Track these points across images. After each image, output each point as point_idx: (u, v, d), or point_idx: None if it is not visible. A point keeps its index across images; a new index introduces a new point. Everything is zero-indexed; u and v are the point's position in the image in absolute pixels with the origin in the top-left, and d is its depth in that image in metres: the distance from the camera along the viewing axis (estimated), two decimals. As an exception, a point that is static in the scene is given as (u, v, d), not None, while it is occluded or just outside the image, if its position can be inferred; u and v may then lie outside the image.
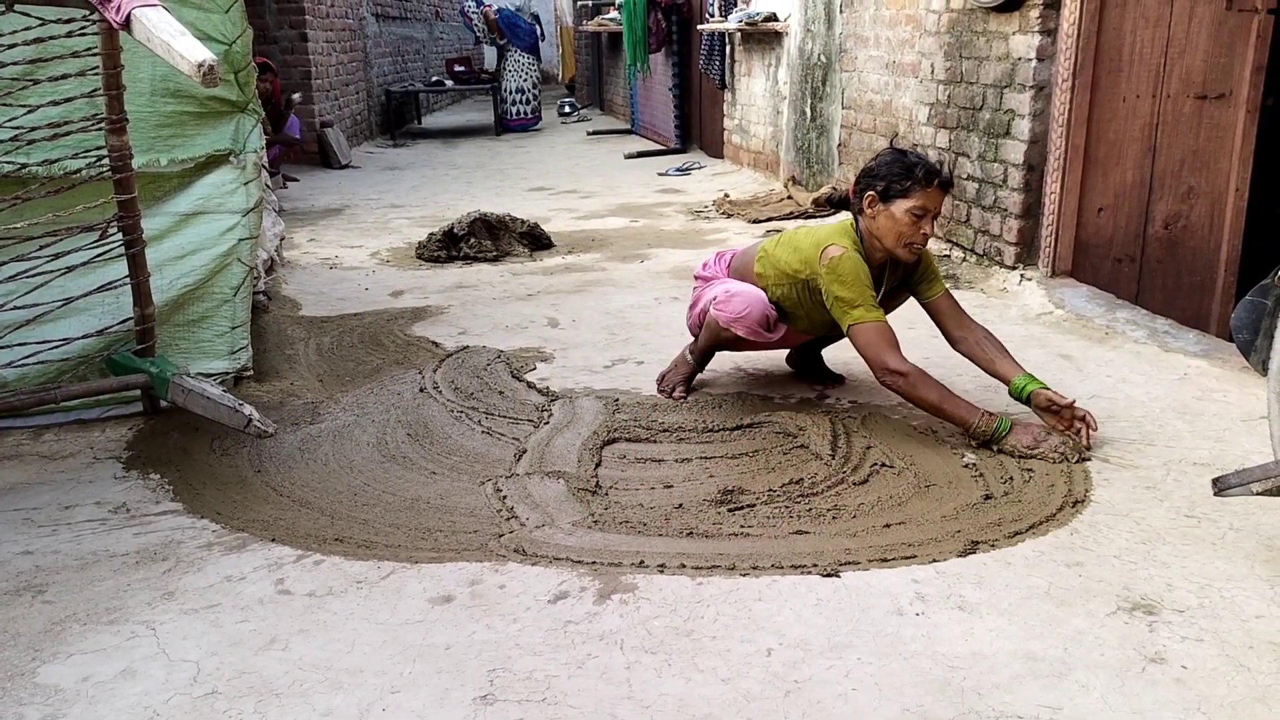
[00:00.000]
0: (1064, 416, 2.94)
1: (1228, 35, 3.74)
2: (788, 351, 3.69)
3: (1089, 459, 2.84)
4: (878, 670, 1.97)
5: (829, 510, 2.60)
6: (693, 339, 3.52)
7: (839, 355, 3.77)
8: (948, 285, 3.36)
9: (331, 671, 2.00)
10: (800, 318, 3.27)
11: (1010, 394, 3.06)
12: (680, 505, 2.63)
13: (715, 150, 10.00)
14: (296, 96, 9.48)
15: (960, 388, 3.40)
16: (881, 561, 2.35)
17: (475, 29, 13.67)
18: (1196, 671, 1.93)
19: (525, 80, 13.30)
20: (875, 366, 2.99)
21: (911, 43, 5.63)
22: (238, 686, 1.95)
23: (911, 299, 3.32)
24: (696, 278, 3.56)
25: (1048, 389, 2.99)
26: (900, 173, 3.01)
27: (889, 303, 3.31)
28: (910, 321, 4.22)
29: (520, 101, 13.36)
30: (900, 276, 3.25)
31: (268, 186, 5.34)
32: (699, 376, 3.55)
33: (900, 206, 3.01)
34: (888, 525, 2.51)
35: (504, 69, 13.33)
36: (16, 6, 2.72)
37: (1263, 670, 1.93)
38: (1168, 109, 4.01)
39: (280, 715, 1.88)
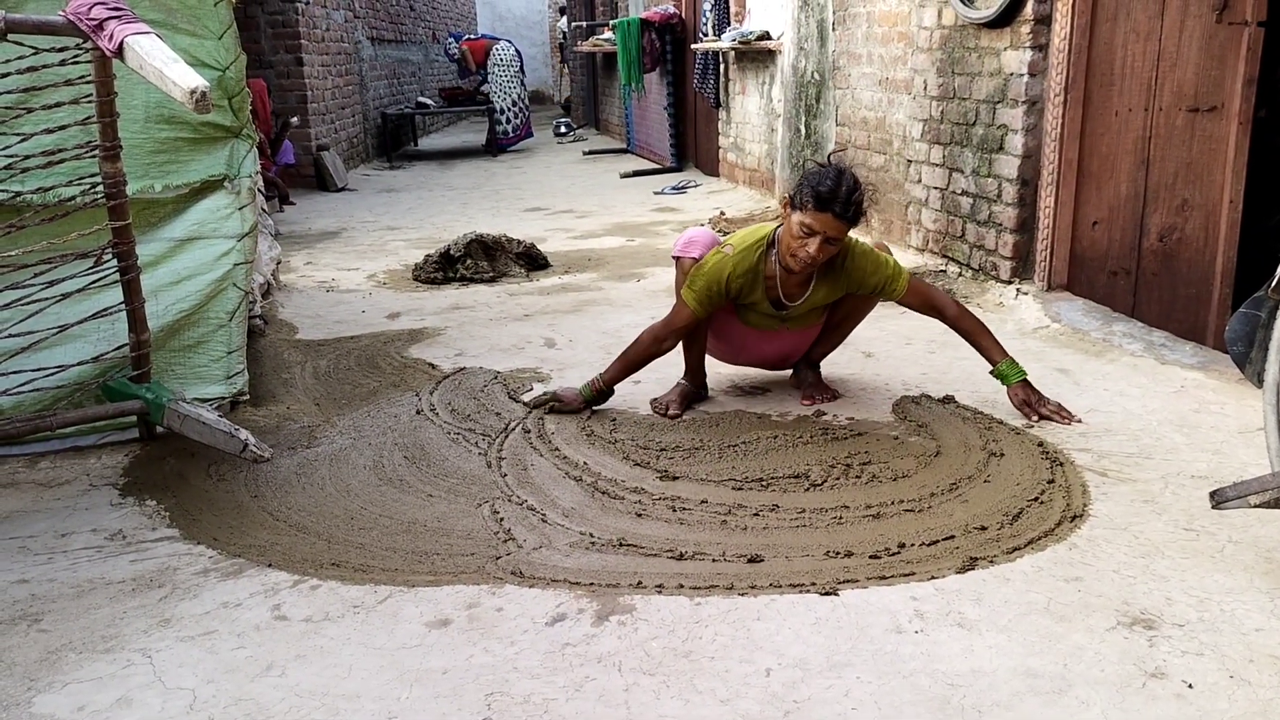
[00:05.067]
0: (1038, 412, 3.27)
1: (1218, 48, 3.76)
2: (790, 372, 3.74)
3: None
4: (877, 689, 1.96)
5: (826, 526, 2.59)
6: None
7: (834, 371, 3.77)
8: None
9: (328, 698, 1.99)
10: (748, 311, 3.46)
11: (993, 376, 3.34)
12: (680, 523, 2.63)
13: (710, 168, 10.03)
14: (294, 120, 9.50)
15: (957, 400, 3.43)
16: (880, 579, 2.34)
17: (458, 62, 13.87)
18: (1197, 686, 1.92)
19: (505, 99, 13.36)
20: (662, 325, 3.39)
21: (904, 59, 5.66)
22: (234, 714, 1.94)
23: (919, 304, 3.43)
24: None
25: (1025, 384, 3.28)
26: (805, 185, 3.10)
27: (829, 304, 3.43)
28: (907, 338, 4.24)
29: (506, 120, 13.42)
30: (844, 285, 3.33)
31: (263, 210, 5.35)
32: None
33: (795, 217, 3.12)
34: (885, 544, 2.50)
35: (489, 92, 13.44)
36: (10, 36, 2.73)
37: (1264, 684, 1.92)
38: (1160, 122, 4.02)
39: (276, 743, 1.87)
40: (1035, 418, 3.24)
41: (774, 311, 3.38)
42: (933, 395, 3.52)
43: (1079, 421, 3.23)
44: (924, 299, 3.36)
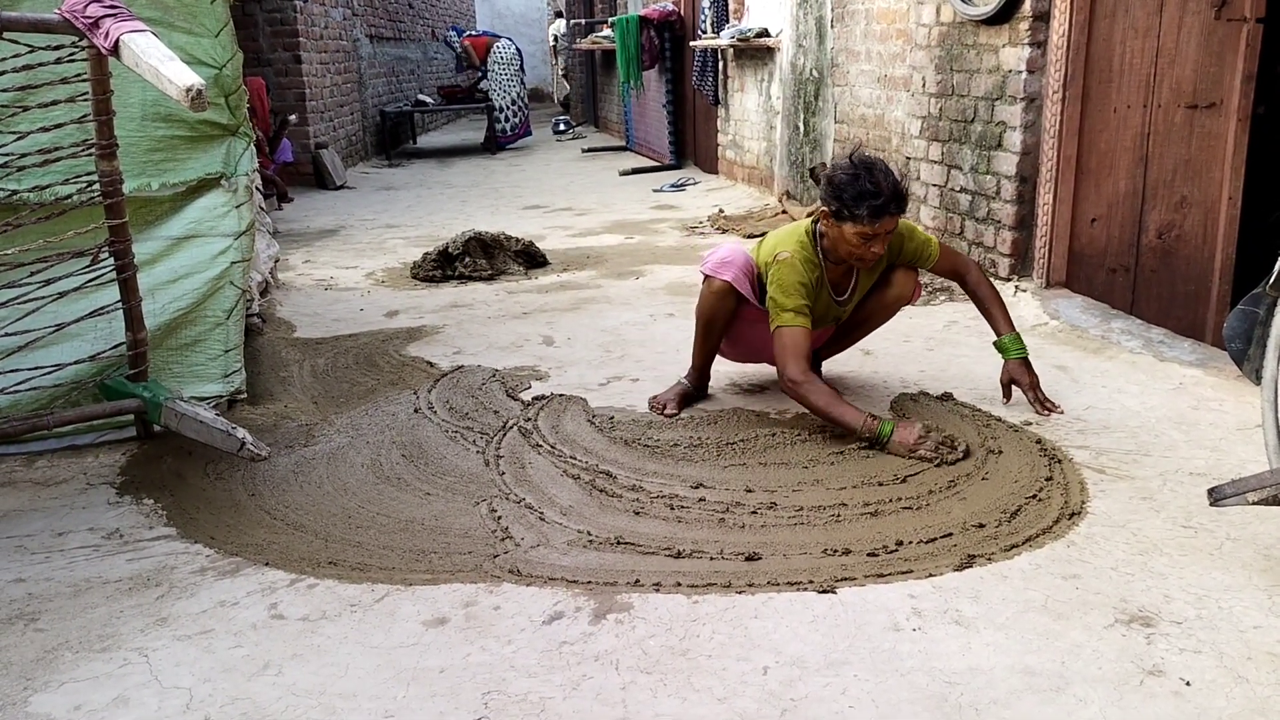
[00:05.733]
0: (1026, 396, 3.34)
1: (1217, 45, 3.75)
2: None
3: (957, 460, 2.93)
4: (874, 687, 1.95)
5: (824, 524, 2.59)
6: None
7: (833, 368, 3.77)
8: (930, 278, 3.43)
9: (325, 696, 1.98)
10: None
11: (995, 347, 3.40)
12: (678, 521, 2.63)
13: (709, 166, 10.02)
14: (293, 118, 9.51)
15: (955, 397, 3.42)
16: (878, 577, 2.34)
17: (459, 57, 13.79)
18: (1195, 684, 1.92)
19: (505, 98, 13.35)
20: (779, 369, 3.15)
21: (902, 56, 5.65)
22: (230, 713, 1.94)
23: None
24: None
25: (1021, 363, 3.33)
26: (851, 199, 3.03)
27: (875, 280, 3.42)
28: (905, 335, 4.24)
29: (505, 119, 13.41)
30: (886, 257, 3.34)
31: (261, 208, 5.34)
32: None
33: (849, 229, 3.08)
34: (883, 541, 2.49)
35: (489, 90, 13.42)
36: (5, 35, 2.72)
37: (1261, 681, 1.92)
38: (1159, 119, 4.02)
39: (273, 742, 1.87)
40: (1008, 399, 3.37)
41: (837, 309, 3.38)
42: (931, 392, 3.52)
43: (1060, 412, 3.28)
44: (952, 264, 3.44)
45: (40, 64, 2.91)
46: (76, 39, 2.78)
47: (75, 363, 3.20)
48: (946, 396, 3.46)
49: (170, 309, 3.38)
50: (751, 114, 8.52)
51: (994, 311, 3.37)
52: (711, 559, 2.45)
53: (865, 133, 6.26)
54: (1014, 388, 3.36)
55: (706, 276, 3.35)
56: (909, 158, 5.61)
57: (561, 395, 3.62)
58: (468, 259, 5.77)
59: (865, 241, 3.07)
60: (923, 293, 3.57)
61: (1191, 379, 3.53)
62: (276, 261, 5.79)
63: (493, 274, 5.74)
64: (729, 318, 3.37)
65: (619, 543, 2.53)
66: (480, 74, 13.67)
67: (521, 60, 13.60)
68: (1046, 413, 3.27)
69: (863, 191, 3.01)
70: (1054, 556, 2.41)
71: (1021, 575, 2.33)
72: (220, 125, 3.41)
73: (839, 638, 2.11)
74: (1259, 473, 2.22)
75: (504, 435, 3.25)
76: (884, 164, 3.10)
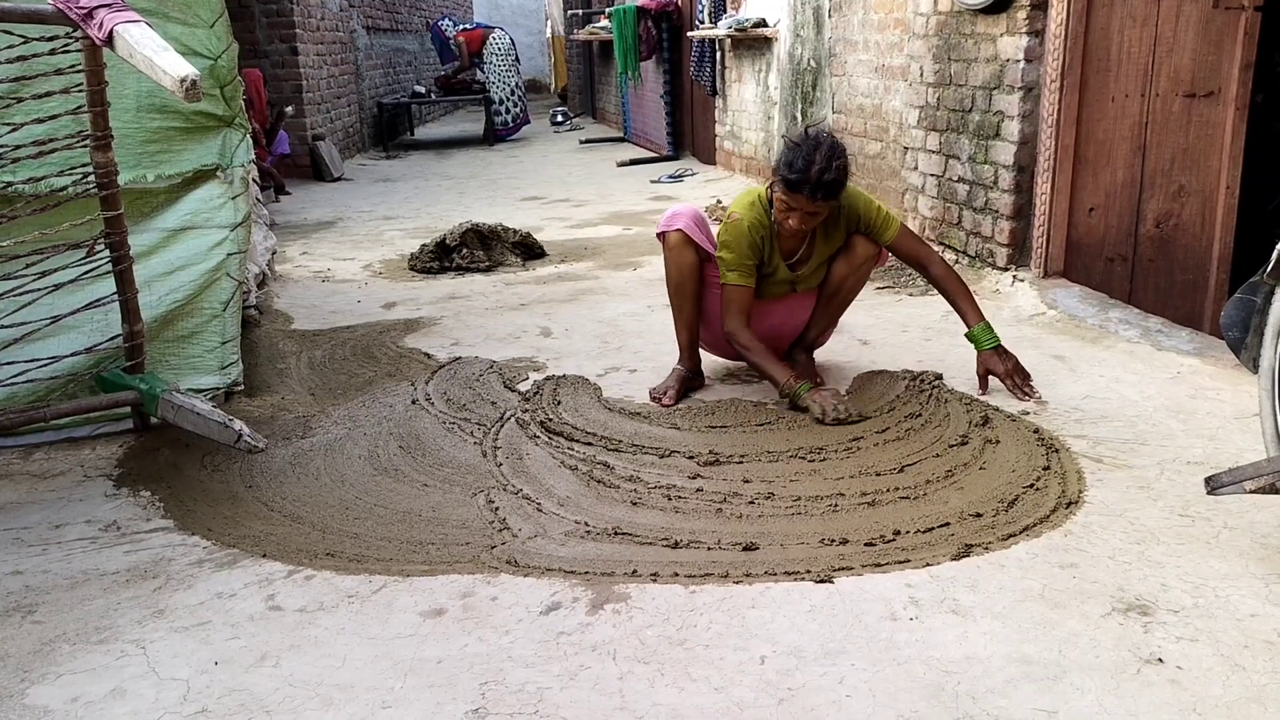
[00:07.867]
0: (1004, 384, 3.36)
1: (1215, 33, 3.74)
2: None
3: (850, 420, 3.14)
4: (872, 676, 1.95)
5: (821, 514, 2.59)
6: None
7: (831, 358, 3.77)
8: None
9: (322, 688, 1.98)
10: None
11: (966, 338, 3.42)
12: (675, 512, 2.63)
13: (707, 157, 10.01)
14: (290, 110, 9.49)
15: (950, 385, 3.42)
16: (875, 566, 2.34)
17: (452, 47, 13.70)
18: (1192, 672, 1.92)
19: (504, 89, 13.32)
20: (723, 323, 3.35)
21: (900, 46, 5.63)
22: (228, 704, 1.94)
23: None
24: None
25: (997, 351, 3.34)
26: (783, 165, 3.14)
27: (835, 248, 3.44)
28: (903, 325, 4.23)
29: (504, 110, 13.38)
30: (844, 228, 3.39)
31: (259, 200, 5.34)
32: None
33: (777, 191, 3.20)
34: (880, 531, 2.49)
35: (486, 82, 13.37)
36: (-1, 25, 2.72)
37: (1258, 670, 1.92)
38: (1157, 108, 4.01)
39: (270, 733, 1.86)
40: (984, 390, 3.37)
41: (789, 273, 3.42)
42: (925, 379, 3.53)
43: (1039, 398, 3.29)
44: (913, 250, 3.45)
45: (34, 55, 2.89)
46: (70, 30, 2.77)
47: (71, 355, 3.20)
48: (937, 376, 3.49)
49: (167, 301, 3.38)
50: (749, 104, 8.50)
51: (962, 304, 3.39)
52: (709, 549, 2.44)
53: (863, 123, 6.25)
54: (991, 377, 3.38)
55: (661, 235, 3.45)
56: (907, 148, 5.60)
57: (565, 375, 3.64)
58: (465, 250, 5.77)
59: (786, 209, 3.17)
60: (888, 258, 3.57)
61: (1189, 368, 3.53)
62: (274, 253, 5.79)
63: (490, 265, 5.74)
64: (696, 276, 3.43)
65: (616, 533, 2.53)
66: (462, 66, 13.57)
67: (516, 51, 13.56)
68: (1025, 398, 3.28)
69: (791, 162, 3.11)
70: (1051, 546, 2.41)
71: (1019, 564, 2.33)
72: (216, 117, 3.40)
73: (836, 627, 2.11)
74: (1256, 461, 2.22)
75: (501, 426, 3.25)
76: (831, 148, 3.12)
